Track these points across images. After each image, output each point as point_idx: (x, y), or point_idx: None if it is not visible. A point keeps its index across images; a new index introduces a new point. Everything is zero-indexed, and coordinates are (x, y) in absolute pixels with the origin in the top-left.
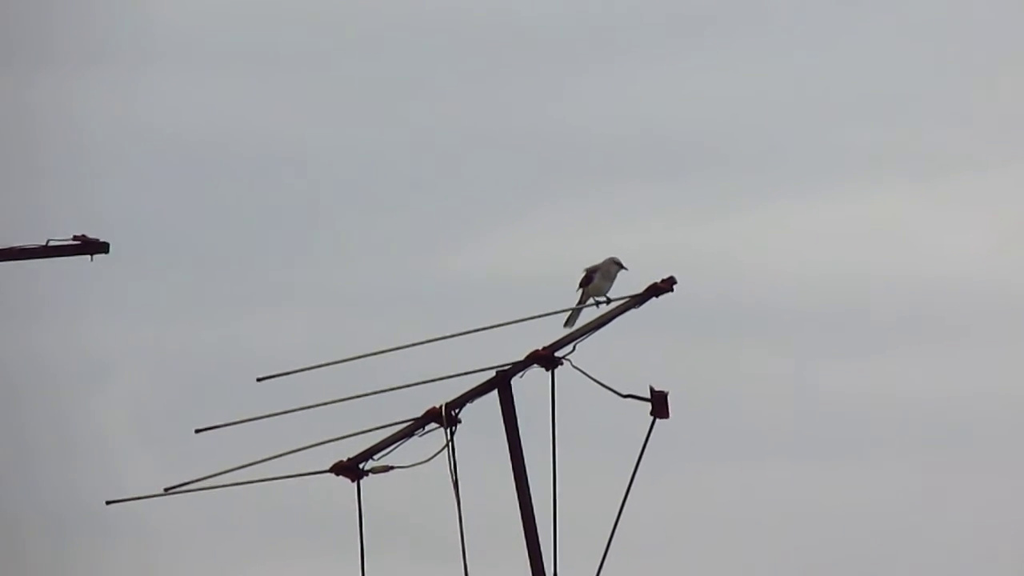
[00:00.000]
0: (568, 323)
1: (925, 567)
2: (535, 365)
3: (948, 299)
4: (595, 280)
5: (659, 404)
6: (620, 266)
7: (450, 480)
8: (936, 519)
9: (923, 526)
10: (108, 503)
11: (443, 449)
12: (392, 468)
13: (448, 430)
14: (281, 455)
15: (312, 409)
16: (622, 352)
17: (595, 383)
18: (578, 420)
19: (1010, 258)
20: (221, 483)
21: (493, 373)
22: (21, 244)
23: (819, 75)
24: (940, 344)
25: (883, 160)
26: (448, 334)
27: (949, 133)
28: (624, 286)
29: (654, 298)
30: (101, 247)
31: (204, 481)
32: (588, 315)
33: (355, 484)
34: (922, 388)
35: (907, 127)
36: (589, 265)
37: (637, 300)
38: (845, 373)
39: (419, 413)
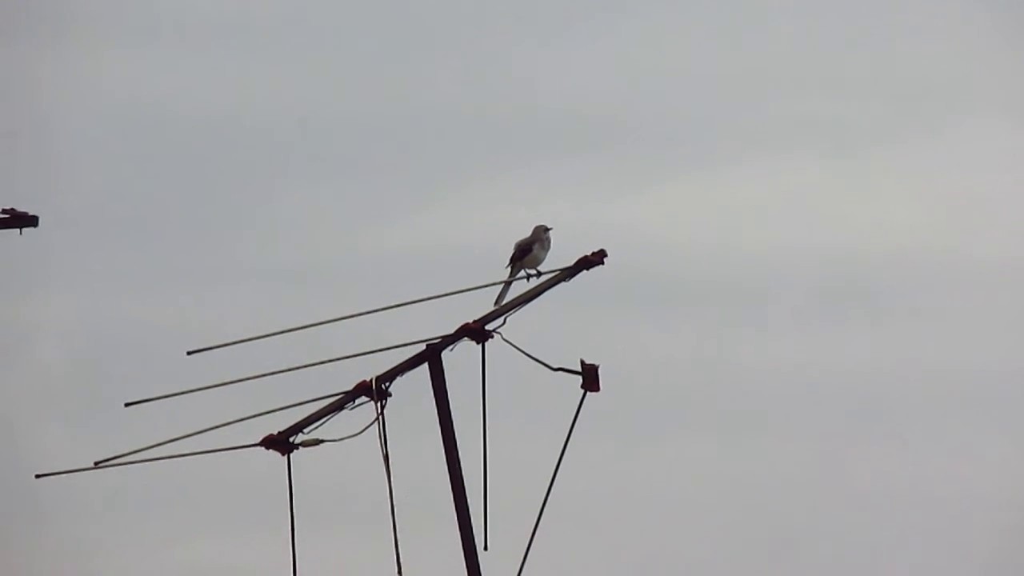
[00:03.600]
0: (499, 299)
1: (850, 539)
2: (465, 338)
3: (869, 272)
4: (534, 251)
5: (590, 377)
6: (548, 229)
7: (380, 453)
8: (862, 492)
9: (849, 499)
10: (38, 476)
11: (373, 422)
12: (322, 441)
13: (378, 403)
14: (211, 429)
15: (242, 383)
16: (553, 325)
17: (526, 356)
18: (509, 393)
19: (928, 231)
20: (151, 457)
21: (423, 347)
22: None
23: (742, 47)
24: (863, 318)
25: (803, 133)
26: (378, 307)
27: (868, 105)
28: (554, 259)
29: (584, 271)
30: (30, 220)
31: (134, 455)
32: (518, 288)
33: (285, 458)
34: (847, 361)
35: (826, 99)
36: (519, 239)
37: (568, 273)
38: (772, 347)
39: (350, 386)
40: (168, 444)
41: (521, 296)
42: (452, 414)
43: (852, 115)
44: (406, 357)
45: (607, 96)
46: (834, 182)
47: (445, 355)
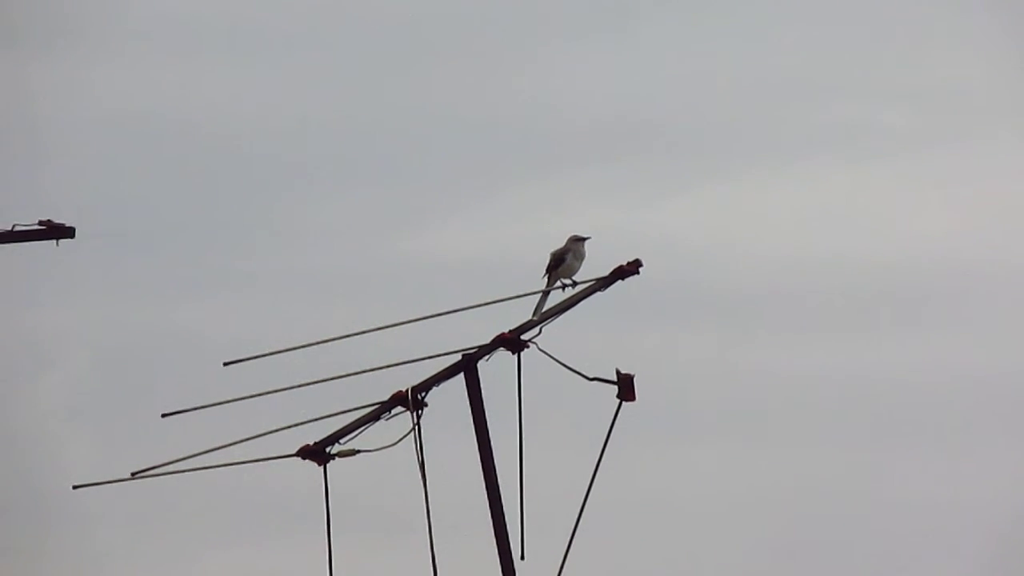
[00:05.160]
0: (537, 310)
1: (882, 545)
2: (501, 348)
3: (901, 279)
4: (567, 261)
5: (625, 387)
6: (582, 238)
7: (417, 463)
8: (895, 499)
9: (881, 505)
10: (75, 487)
11: (409, 432)
12: (359, 452)
13: (415, 414)
14: (248, 439)
15: (279, 393)
16: (588, 335)
17: (562, 366)
18: (545, 403)
19: (958, 238)
20: (188, 467)
21: (459, 357)
22: None
23: (780, 54)
24: (895, 325)
25: (835, 140)
26: (414, 318)
27: (898, 112)
28: (589, 269)
29: (620, 281)
30: (67, 232)
31: (171, 465)
32: (554, 298)
33: (322, 468)
34: (879, 369)
35: (857, 106)
36: (553, 249)
37: (603, 283)
38: (806, 354)
39: (385, 397)
40: (205, 455)
41: (556, 306)
42: (488, 423)
43: (882, 122)
44: (442, 367)
45: (639, 104)
46: (865, 189)
47: (481, 365)
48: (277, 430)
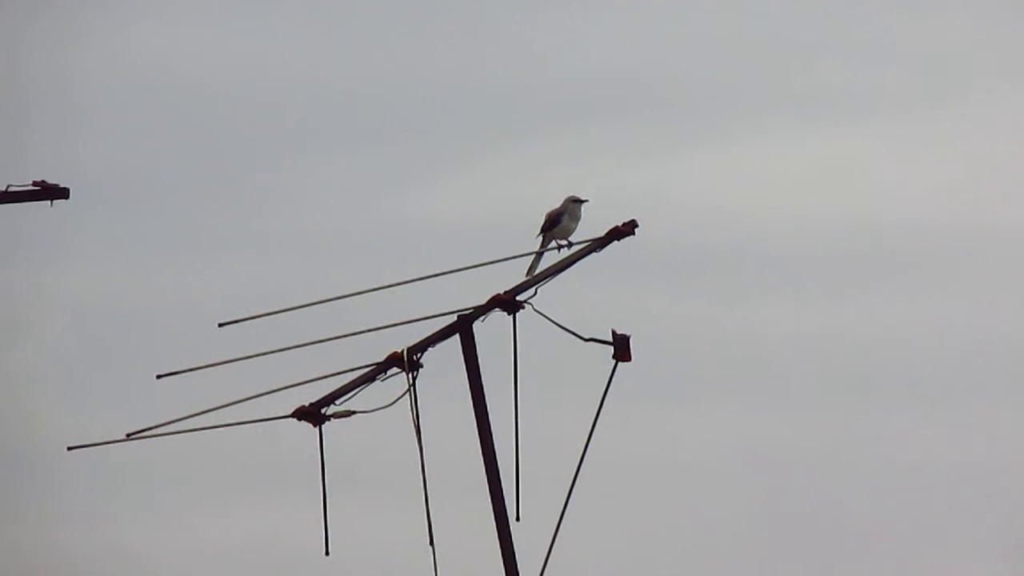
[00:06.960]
0: (531, 270)
1: (873, 508)
2: (497, 309)
3: (895, 240)
4: (563, 222)
5: (621, 347)
6: (580, 201)
7: (412, 424)
8: (887, 462)
9: (873, 469)
10: (70, 448)
11: (405, 394)
12: (354, 413)
13: (410, 375)
14: (243, 400)
15: (273, 354)
16: (584, 296)
17: (557, 327)
18: (540, 364)
19: (953, 198)
20: (183, 428)
21: (455, 317)
22: None
23: (775, 14)
24: (889, 286)
25: (828, 100)
26: (409, 279)
27: (892, 73)
28: (585, 229)
29: (615, 241)
30: (61, 193)
31: (166, 426)
32: (550, 259)
33: (317, 429)
34: (873, 330)
35: (851, 67)
36: (549, 209)
37: (599, 243)
38: (800, 315)
39: (381, 358)
40: (200, 416)
41: (552, 267)
42: (484, 385)
43: (878, 83)
44: (437, 328)
45: (637, 64)
46: (860, 150)
47: (476, 326)
48: (272, 391)
